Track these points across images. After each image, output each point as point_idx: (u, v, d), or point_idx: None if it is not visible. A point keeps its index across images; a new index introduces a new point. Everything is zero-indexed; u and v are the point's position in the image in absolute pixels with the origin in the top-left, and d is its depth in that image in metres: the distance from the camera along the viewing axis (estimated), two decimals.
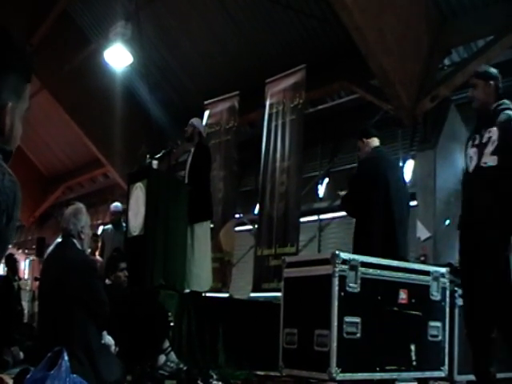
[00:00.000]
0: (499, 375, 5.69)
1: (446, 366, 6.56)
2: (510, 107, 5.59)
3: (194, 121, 10.12)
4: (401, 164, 9.87)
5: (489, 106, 5.64)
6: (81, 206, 6.51)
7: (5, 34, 1.85)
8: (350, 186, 7.50)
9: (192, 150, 9.98)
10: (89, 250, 7.09)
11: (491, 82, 5.69)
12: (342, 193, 7.46)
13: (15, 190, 1.70)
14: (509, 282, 5.33)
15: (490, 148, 5.48)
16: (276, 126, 12.26)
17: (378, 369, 5.99)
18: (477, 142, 5.63)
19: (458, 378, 6.80)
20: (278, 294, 6.80)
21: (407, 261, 6.99)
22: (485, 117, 5.66)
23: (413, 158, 12.63)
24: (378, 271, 6.08)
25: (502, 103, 5.63)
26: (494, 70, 5.81)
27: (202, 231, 9.69)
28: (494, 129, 5.50)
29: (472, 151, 5.63)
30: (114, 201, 13.93)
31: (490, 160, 5.47)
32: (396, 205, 7.20)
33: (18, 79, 1.87)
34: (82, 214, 6.32)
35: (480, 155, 5.54)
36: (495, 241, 5.43)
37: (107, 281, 7.98)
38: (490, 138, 5.50)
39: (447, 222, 10.81)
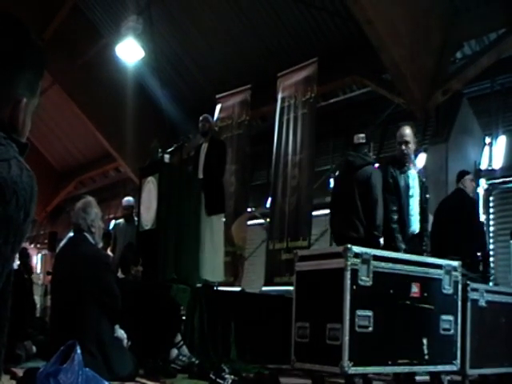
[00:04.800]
0: None
1: (458, 360, 6.54)
2: None
3: (209, 117, 10.34)
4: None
5: None
6: (90, 199, 6.51)
7: (23, 30, 1.87)
8: None
9: (205, 144, 10.10)
10: (101, 244, 7.08)
11: None
12: None
13: (32, 185, 1.71)
14: None
15: None
16: (288, 120, 12.25)
17: (390, 362, 5.98)
18: None
19: (470, 371, 6.79)
20: (290, 288, 6.80)
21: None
22: None
23: (425, 151, 12.60)
24: (390, 265, 6.06)
25: None
26: None
27: (216, 224, 9.78)
28: None
29: None
30: (126, 195, 13.95)
31: None
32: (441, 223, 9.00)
33: (32, 75, 1.89)
34: (91, 208, 6.33)
35: None
36: None
37: (120, 275, 8.01)
38: None
39: None
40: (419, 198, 7.73)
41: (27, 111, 1.85)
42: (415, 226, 7.58)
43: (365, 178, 7.51)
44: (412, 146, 7.94)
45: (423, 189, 7.89)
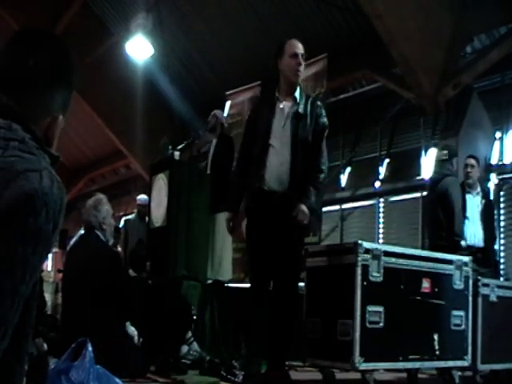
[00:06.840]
0: None
1: (470, 355, 6.53)
2: None
3: (217, 112, 10.31)
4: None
5: None
6: (101, 196, 6.52)
7: (64, 48, 1.89)
8: None
9: (214, 141, 10.10)
10: (112, 241, 7.10)
11: None
12: None
13: (62, 197, 1.73)
14: None
15: None
16: None
17: (401, 358, 5.98)
18: None
19: (481, 367, 6.78)
20: (301, 284, 6.80)
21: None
22: None
23: (435, 146, 12.57)
24: (401, 260, 6.05)
25: None
26: None
27: (224, 221, 9.78)
28: None
29: None
30: (136, 192, 13.96)
31: None
32: None
33: (68, 93, 1.92)
34: (103, 205, 6.34)
35: None
36: None
37: (131, 272, 8.02)
38: None
39: None
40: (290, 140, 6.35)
41: (59, 128, 1.90)
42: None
43: (443, 190, 8.60)
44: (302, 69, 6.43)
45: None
